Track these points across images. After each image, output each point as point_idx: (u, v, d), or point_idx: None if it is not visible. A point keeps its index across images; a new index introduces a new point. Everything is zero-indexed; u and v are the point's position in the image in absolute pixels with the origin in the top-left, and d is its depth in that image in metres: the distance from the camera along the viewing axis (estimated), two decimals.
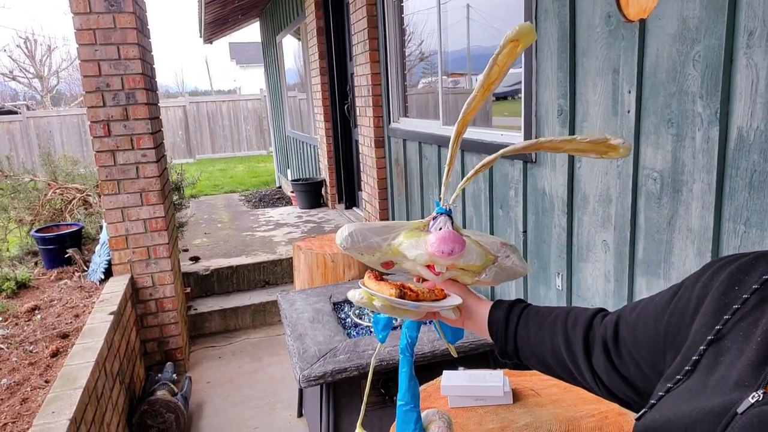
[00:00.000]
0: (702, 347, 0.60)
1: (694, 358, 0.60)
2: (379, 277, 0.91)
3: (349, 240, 0.93)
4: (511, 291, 2.63)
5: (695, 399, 0.56)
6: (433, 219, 0.94)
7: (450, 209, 0.95)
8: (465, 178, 0.96)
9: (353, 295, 0.88)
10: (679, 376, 0.60)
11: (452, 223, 0.94)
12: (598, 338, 0.79)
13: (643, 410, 0.62)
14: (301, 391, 2.83)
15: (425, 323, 1.05)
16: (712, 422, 0.52)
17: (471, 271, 0.93)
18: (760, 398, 0.50)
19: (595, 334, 0.80)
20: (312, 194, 6.21)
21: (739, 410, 0.50)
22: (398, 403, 1.09)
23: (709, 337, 0.60)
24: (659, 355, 0.68)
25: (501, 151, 0.91)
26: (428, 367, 1.99)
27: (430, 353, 2.08)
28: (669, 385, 0.61)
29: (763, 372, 0.52)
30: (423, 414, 1.16)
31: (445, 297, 0.93)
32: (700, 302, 0.65)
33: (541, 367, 0.87)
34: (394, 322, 1.07)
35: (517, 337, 0.88)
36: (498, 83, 0.90)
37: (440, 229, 0.92)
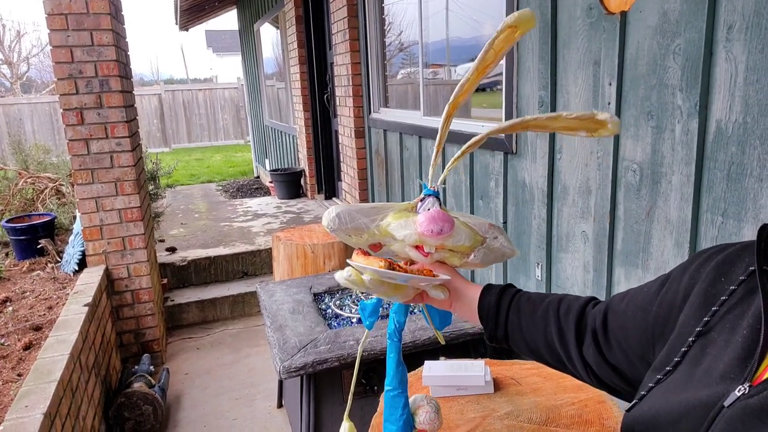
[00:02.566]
0: (691, 339, 0.60)
1: (683, 349, 0.60)
2: (366, 253, 0.90)
3: (336, 221, 0.91)
4: (491, 279, 2.64)
5: (683, 391, 0.56)
6: (421, 200, 0.94)
7: (438, 191, 0.94)
8: (453, 159, 0.94)
9: (340, 275, 0.86)
10: (668, 368, 0.60)
11: (440, 204, 0.93)
12: (589, 327, 0.79)
13: (634, 402, 0.62)
14: (280, 382, 2.82)
15: (413, 311, 1.04)
16: (699, 415, 0.52)
17: (459, 252, 0.93)
18: (746, 391, 0.51)
19: (587, 324, 0.80)
20: (291, 184, 6.16)
21: (726, 403, 0.51)
22: (386, 388, 1.08)
23: (698, 329, 0.60)
24: (648, 345, 0.69)
25: (488, 131, 0.90)
26: (410, 357, 1.99)
27: (411, 343, 2.08)
28: (658, 376, 0.61)
29: (749, 365, 0.53)
30: (411, 399, 1.16)
31: (433, 275, 0.92)
32: (687, 293, 0.65)
33: (530, 354, 0.87)
34: (381, 309, 1.06)
35: (508, 323, 0.87)
36: (493, 67, 0.89)
37: (428, 209, 0.91)
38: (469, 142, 0.92)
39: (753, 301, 0.58)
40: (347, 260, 0.90)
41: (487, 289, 0.92)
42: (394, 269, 0.86)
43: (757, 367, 0.53)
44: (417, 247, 0.91)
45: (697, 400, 0.54)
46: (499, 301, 0.89)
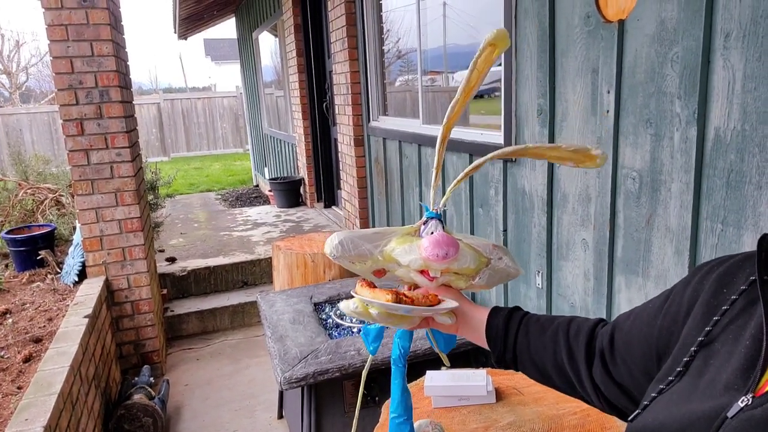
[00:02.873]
0: (693, 348, 0.60)
1: (685, 359, 0.60)
2: (371, 285, 0.88)
3: (339, 249, 0.89)
4: (491, 293, 2.64)
5: (686, 402, 0.56)
6: (424, 224, 0.93)
7: (440, 213, 0.94)
8: (453, 183, 0.95)
9: (346, 305, 0.85)
10: (671, 378, 0.61)
11: (443, 226, 0.93)
12: (597, 348, 0.79)
13: (636, 411, 0.62)
14: (281, 393, 2.81)
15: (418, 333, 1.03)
16: (702, 426, 0.52)
17: (465, 275, 0.92)
18: (749, 402, 0.51)
19: (596, 345, 0.80)
20: (290, 193, 6.16)
21: (729, 414, 0.51)
22: (391, 415, 1.07)
23: (700, 339, 0.60)
24: (652, 360, 0.69)
25: (489, 155, 0.90)
26: (411, 367, 1.98)
27: (412, 353, 2.07)
28: (661, 386, 0.61)
29: (752, 376, 0.53)
30: (416, 424, 1.15)
31: (439, 303, 0.91)
32: (690, 306, 0.65)
33: (539, 377, 0.86)
34: (384, 333, 1.05)
35: (516, 345, 0.87)
36: (477, 88, 0.91)
37: (432, 233, 0.90)
38: (471, 166, 0.93)
39: (755, 311, 0.58)
40: (352, 291, 0.89)
41: (495, 311, 0.91)
42: (400, 299, 0.84)
43: (759, 378, 0.53)
44: (422, 272, 0.90)
45: (701, 411, 0.54)
46: (507, 323, 0.88)
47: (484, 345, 0.91)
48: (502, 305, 2.53)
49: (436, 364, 1.99)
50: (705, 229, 1.48)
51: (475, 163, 0.92)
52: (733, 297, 0.61)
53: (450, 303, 0.89)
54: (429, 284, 0.91)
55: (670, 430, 0.55)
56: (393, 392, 1.05)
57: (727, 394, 0.53)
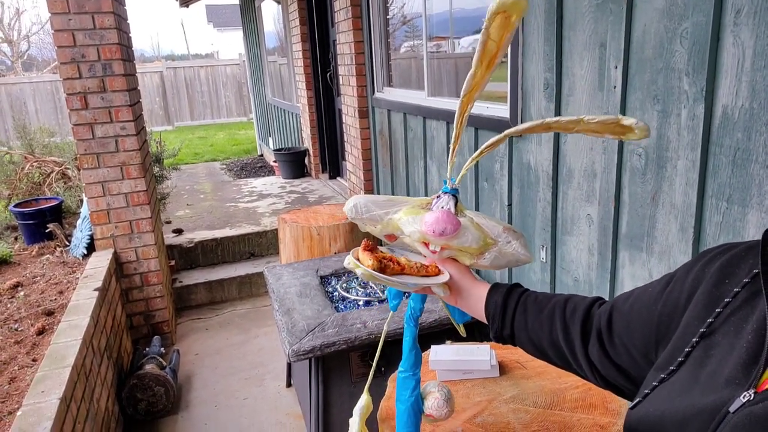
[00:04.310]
0: (694, 339, 0.61)
1: (687, 349, 0.61)
2: (371, 247, 0.93)
3: (353, 210, 0.98)
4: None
5: (688, 394, 0.58)
6: (437, 197, 0.96)
7: (456, 189, 0.96)
8: (470, 160, 0.95)
9: (348, 260, 0.92)
10: (672, 367, 0.62)
11: (456, 203, 0.94)
12: (594, 327, 0.80)
13: (637, 399, 0.63)
14: (289, 363, 2.87)
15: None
16: (704, 420, 0.53)
17: (469, 253, 0.94)
18: (751, 398, 0.51)
19: (592, 324, 0.81)
20: (295, 164, 6.16)
21: (731, 409, 0.52)
22: (399, 370, 1.14)
23: (702, 330, 0.61)
24: (651, 345, 0.70)
25: (506, 132, 0.90)
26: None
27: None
28: (662, 375, 0.62)
29: (754, 371, 0.54)
30: (424, 385, 1.21)
31: (438, 274, 0.95)
32: (691, 293, 0.66)
33: (537, 353, 0.88)
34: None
35: (514, 322, 0.89)
36: (499, 57, 0.88)
37: (442, 207, 0.93)
38: (487, 143, 0.92)
39: (757, 304, 0.58)
40: (351, 251, 0.95)
41: (494, 288, 0.93)
42: (387, 265, 0.91)
43: (762, 373, 0.54)
44: (425, 244, 0.94)
45: (703, 404, 0.55)
46: (506, 300, 0.90)
47: (484, 320, 0.93)
48: (506, 280, 2.56)
49: (440, 338, 2.03)
50: (710, 206, 1.48)
51: (492, 140, 0.91)
52: (736, 289, 0.61)
53: (439, 278, 0.93)
54: (432, 256, 0.95)
55: (671, 421, 0.57)
56: (403, 349, 1.12)
57: (729, 388, 0.54)
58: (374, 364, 1.17)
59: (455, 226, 0.90)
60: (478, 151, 0.94)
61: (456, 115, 0.93)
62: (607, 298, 0.89)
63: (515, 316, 0.89)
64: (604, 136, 0.84)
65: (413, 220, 0.93)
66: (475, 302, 0.93)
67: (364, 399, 1.17)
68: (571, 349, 0.81)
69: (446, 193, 0.95)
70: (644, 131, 0.80)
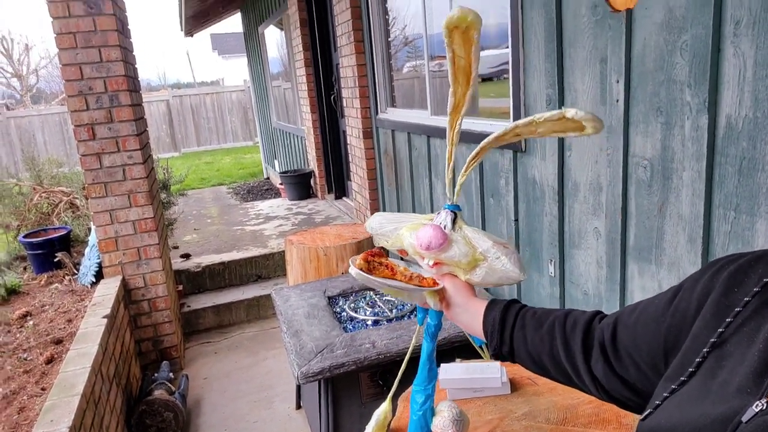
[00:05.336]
0: (705, 349, 0.60)
1: (697, 360, 0.60)
2: (374, 252, 0.99)
3: (370, 227, 1.05)
4: None
5: (699, 404, 0.57)
6: (437, 213, 0.99)
7: (456, 205, 0.98)
8: (460, 175, 0.97)
9: (351, 259, 0.98)
10: (683, 378, 0.61)
11: (454, 218, 0.96)
12: (596, 342, 0.79)
13: (648, 410, 0.62)
14: (299, 385, 2.85)
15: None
16: (717, 429, 0.53)
17: (461, 268, 0.96)
18: (764, 407, 0.51)
19: (594, 338, 0.80)
20: (301, 186, 6.19)
21: (744, 419, 0.51)
22: (413, 383, 1.16)
23: (712, 340, 0.60)
24: (660, 356, 0.69)
25: (483, 143, 0.92)
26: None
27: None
28: (673, 386, 0.61)
29: (766, 380, 0.53)
30: (438, 404, 1.21)
31: (433, 286, 0.98)
32: (701, 303, 0.65)
33: (537, 369, 0.87)
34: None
35: (513, 339, 0.88)
36: (474, 71, 0.91)
37: (439, 223, 0.96)
38: (469, 158, 0.95)
39: (767, 313, 0.58)
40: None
41: (492, 304, 0.92)
42: (374, 266, 0.96)
43: None
44: (422, 257, 0.97)
45: (715, 414, 0.54)
46: (504, 316, 0.89)
47: (483, 337, 0.93)
48: (515, 296, 2.54)
49: (450, 356, 2.01)
50: (718, 216, 1.47)
51: (471, 155, 0.95)
52: (746, 299, 0.61)
53: (430, 288, 0.97)
54: (429, 270, 0.98)
55: (683, 431, 0.56)
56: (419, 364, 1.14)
57: (740, 398, 0.54)
58: (400, 372, 1.19)
59: (440, 240, 0.92)
60: (463, 168, 0.96)
61: (447, 133, 0.96)
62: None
63: (514, 332, 0.88)
64: (567, 134, 0.85)
65: (410, 235, 0.97)
66: (472, 318, 0.93)
67: (385, 405, 1.18)
68: (572, 363, 0.80)
69: (445, 209, 0.98)
70: (592, 122, 0.80)
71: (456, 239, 0.94)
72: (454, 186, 0.99)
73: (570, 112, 0.80)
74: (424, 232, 0.93)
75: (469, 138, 2.65)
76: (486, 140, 0.91)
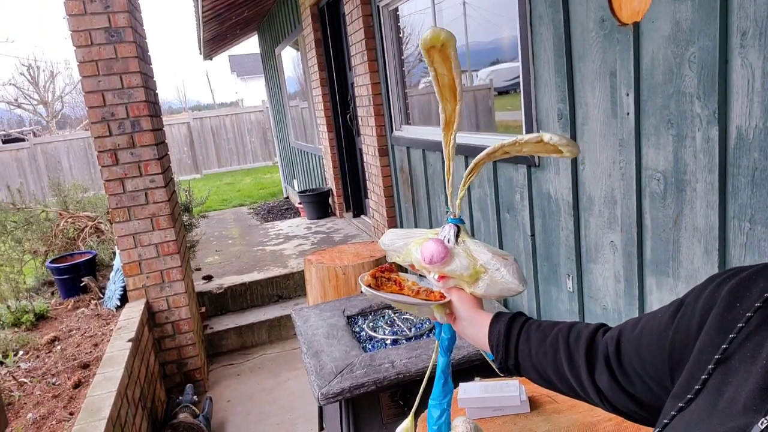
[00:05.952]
0: (710, 366, 0.60)
1: (703, 377, 0.60)
2: (385, 268, 1.00)
3: (384, 243, 1.06)
4: (522, 294, 2.63)
5: (706, 422, 0.57)
6: (443, 228, 1.00)
7: (459, 218, 0.99)
8: (460, 189, 0.99)
9: (361, 276, 1.00)
10: (690, 395, 0.61)
11: (457, 231, 0.97)
12: (600, 355, 0.79)
13: (657, 429, 0.62)
14: (320, 406, 2.85)
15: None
16: None
17: (465, 281, 0.97)
18: None
19: (597, 351, 0.80)
20: (320, 205, 6.24)
21: None
22: (429, 398, 1.16)
23: (717, 356, 0.60)
24: (666, 372, 0.69)
25: (476, 159, 0.95)
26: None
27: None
28: (680, 404, 0.61)
29: None
30: (453, 421, 1.20)
31: (440, 299, 0.99)
32: (703, 319, 0.65)
33: (542, 382, 0.87)
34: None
35: (518, 352, 0.87)
36: (459, 85, 0.93)
37: (443, 237, 0.98)
38: (467, 170, 0.97)
39: None
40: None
41: (497, 317, 0.92)
42: (382, 282, 0.98)
43: None
44: (429, 271, 0.98)
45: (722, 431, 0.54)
46: (509, 329, 0.89)
47: (489, 351, 0.93)
48: (533, 313, 2.53)
49: (469, 375, 2.00)
50: (733, 228, 1.46)
51: (466, 171, 0.97)
52: (748, 314, 0.61)
53: (436, 301, 0.97)
54: (436, 283, 0.98)
55: None
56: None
57: (746, 415, 0.53)
58: (421, 389, 1.19)
59: (441, 254, 0.93)
60: (461, 185, 0.98)
61: (443, 148, 0.98)
62: None
63: (519, 345, 0.87)
64: (550, 155, 0.87)
65: (416, 250, 0.98)
66: (477, 331, 0.93)
67: (407, 422, 1.19)
68: (576, 376, 0.80)
69: (448, 222, 0.99)
70: (567, 146, 0.81)
71: (458, 252, 0.95)
72: (454, 200, 1.01)
73: (546, 137, 0.83)
74: (426, 247, 0.94)
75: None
76: (478, 156, 0.94)
